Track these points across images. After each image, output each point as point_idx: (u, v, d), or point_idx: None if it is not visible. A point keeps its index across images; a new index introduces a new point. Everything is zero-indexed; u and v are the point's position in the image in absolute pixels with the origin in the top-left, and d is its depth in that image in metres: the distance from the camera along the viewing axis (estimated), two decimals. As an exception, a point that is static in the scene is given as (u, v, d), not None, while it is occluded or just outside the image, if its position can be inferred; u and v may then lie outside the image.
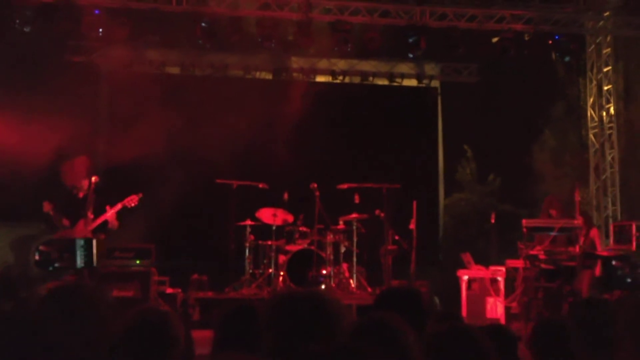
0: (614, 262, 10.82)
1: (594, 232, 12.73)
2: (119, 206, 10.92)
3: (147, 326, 3.57)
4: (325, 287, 12.76)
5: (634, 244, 12.66)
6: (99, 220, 10.75)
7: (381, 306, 4.10)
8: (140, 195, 11.09)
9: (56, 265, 7.35)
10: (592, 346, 4.12)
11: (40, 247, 6.88)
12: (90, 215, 10.56)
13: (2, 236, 12.81)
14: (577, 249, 11.17)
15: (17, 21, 13.07)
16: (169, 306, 12.56)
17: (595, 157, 16.66)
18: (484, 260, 13.11)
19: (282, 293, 3.28)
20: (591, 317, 4.23)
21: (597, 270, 11.36)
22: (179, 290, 13.22)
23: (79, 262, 8.15)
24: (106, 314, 3.60)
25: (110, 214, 10.82)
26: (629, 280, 10.71)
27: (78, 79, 13.91)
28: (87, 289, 3.69)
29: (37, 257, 6.89)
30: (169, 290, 13.04)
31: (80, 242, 7.98)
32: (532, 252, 11.12)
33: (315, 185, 13.04)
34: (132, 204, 10.99)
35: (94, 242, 8.04)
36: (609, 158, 16.42)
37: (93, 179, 10.57)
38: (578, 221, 11.38)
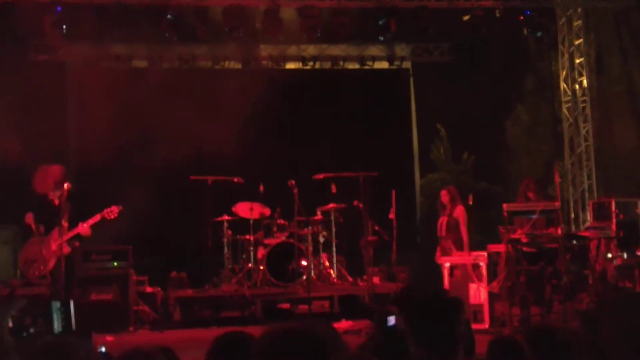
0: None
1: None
2: (97, 218, 10.62)
3: None
4: (306, 279, 12.61)
5: (614, 220, 12.64)
6: (75, 231, 10.49)
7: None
8: (120, 208, 10.77)
9: (31, 331, 6.94)
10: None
11: (13, 313, 6.52)
12: (65, 224, 10.30)
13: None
14: (558, 230, 11.09)
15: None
16: (148, 306, 12.44)
17: (569, 131, 16.62)
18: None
19: (276, 329, 3.10)
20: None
21: None
22: (159, 289, 13.06)
23: (57, 326, 7.67)
24: None
25: (86, 226, 10.54)
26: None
27: (44, 77, 13.62)
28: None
29: (10, 325, 6.55)
30: (149, 290, 12.87)
31: (56, 305, 7.54)
32: (513, 236, 11.03)
33: (294, 183, 12.81)
34: (112, 217, 10.69)
35: (72, 304, 7.61)
36: (583, 132, 16.37)
37: (66, 186, 10.29)
38: (557, 203, 11.29)
